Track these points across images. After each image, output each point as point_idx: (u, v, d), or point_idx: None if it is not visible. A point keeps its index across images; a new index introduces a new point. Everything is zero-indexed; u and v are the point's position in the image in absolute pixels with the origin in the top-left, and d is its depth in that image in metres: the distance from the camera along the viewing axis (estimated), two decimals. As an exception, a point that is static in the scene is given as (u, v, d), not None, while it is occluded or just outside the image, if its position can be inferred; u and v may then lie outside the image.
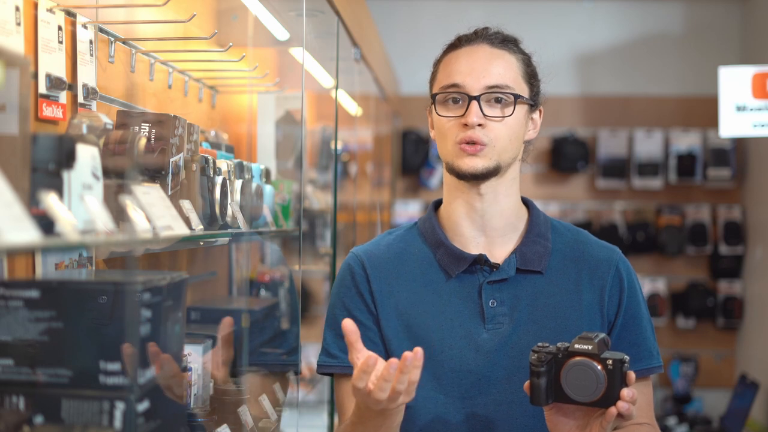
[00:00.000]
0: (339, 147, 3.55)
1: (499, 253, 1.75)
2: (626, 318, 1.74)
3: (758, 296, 5.36)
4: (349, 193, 4.36)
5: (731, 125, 3.39)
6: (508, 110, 1.70)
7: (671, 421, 5.17)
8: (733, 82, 3.37)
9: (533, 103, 1.76)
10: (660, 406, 5.45)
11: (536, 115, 1.79)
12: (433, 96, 1.74)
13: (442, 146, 1.74)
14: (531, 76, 1.76)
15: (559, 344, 1.54)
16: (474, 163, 1.68)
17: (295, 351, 2.62)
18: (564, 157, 5.63)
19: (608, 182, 5.69)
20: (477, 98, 1.68)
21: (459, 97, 1.70)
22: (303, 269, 3.10)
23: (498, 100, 1.70)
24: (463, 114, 1.69)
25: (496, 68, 1.71)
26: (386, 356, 1.71)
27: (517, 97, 1.70)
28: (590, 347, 1.51)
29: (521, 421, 1.69)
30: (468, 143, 1.68)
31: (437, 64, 1.79)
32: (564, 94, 5.70)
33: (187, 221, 1.79)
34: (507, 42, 1.75)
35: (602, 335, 1.53)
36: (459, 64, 1.72)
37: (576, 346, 1.52)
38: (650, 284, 5.56)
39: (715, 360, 5.66)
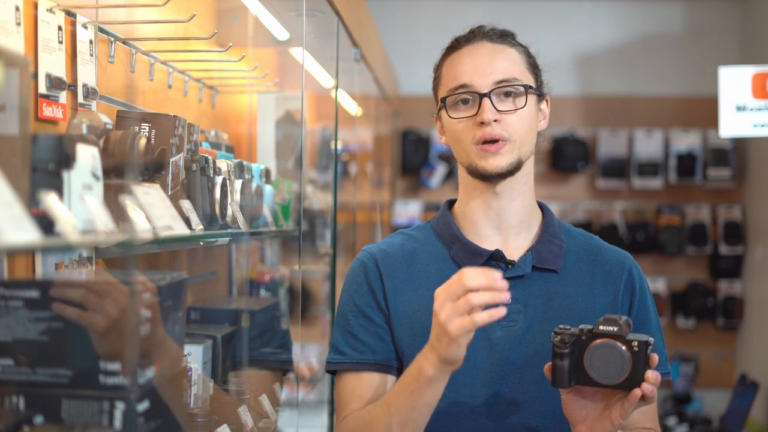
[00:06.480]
0: (339, 147, 3.55)
1: (514, 251, 1.74)
2: (635, 324, 1.73)
3: (758, 296, 5.36)
4: (349, 193, 4.36)
5: (731, 125, 3.39)
6: (521, 102, 1.68)
7: (671, 421, 5.17)
8: (733, 82, 3.37)
9: (540, 93, 1.75)
10: (660, 406, 5.45)
11: (544, 105, 1.78)
12: (443, 100, 1.72)
13: (459, 150, 1.71)
14: (534, 67, 1.76)
15: (581, 326, 1.52)
16: (498, 162, 1.67)
17: (287, 349, 2.62)
18: (564, 157, 5.63)
19: (608, 182, 5.69)
20: (488, 95, 1.66)
21: (469, 97, 1.68)
22: (303, 269, 3.10)
23: (508, 94, 1.68)
24: (476, 113, 1.67)
25: (501, 62, 1.69)
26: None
27: (527, 87, 1.69)
28: (615, 329, 1.49)
29: (533, 421, 1.68)
30: (488, 142, 1.66)
31: (438, 68, 1.77)
32: (564, 94, 5.70)
33: (187, 221, 1.79)
34: (505, 36, 1.74)
35: (625, 317, 1.52)
36: (463, 65, 1.70)
37: (601, 327, 1.50)
38: (650, 284, 5.53)
39: (715, 360, 5.66)
